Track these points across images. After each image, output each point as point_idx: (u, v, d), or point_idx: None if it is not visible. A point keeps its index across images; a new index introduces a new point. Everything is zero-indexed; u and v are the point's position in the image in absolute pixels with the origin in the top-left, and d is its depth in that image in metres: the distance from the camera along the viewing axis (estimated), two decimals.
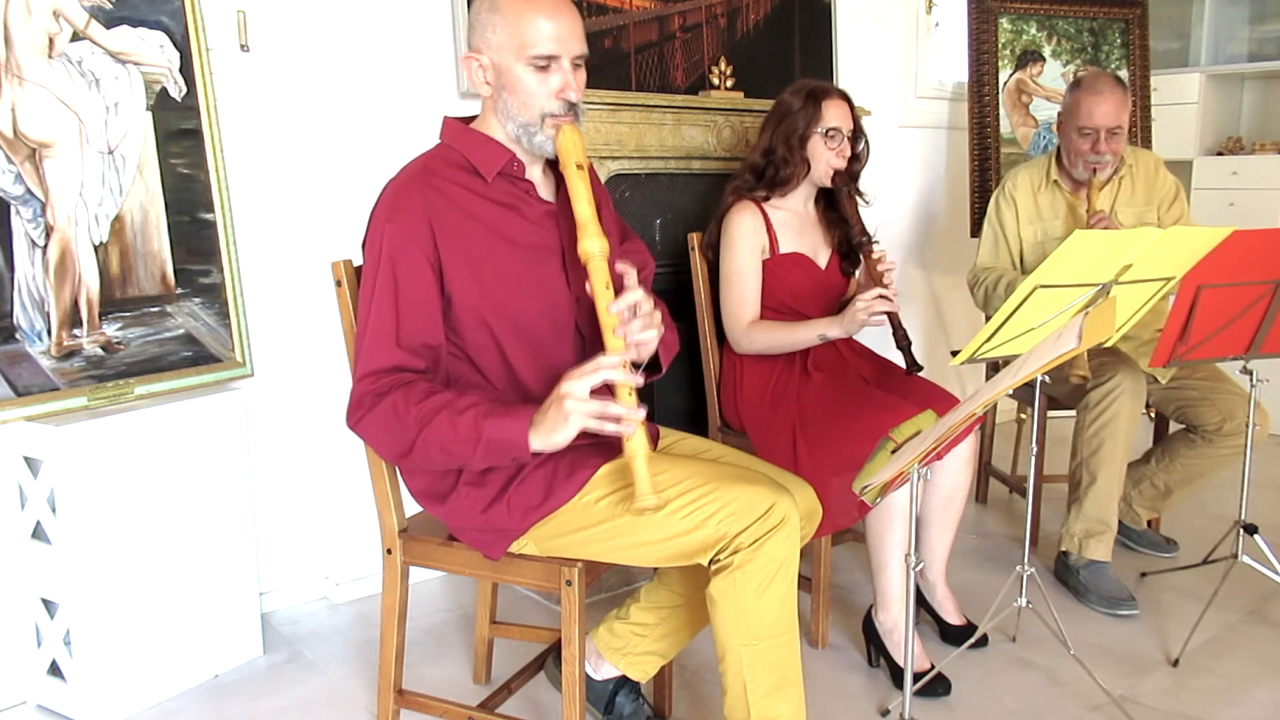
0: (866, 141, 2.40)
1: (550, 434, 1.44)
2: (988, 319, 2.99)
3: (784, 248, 2.35)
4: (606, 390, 1.46)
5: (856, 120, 2.36)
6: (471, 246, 1.58)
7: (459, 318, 1.59)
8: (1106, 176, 2.66)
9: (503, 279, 1.60)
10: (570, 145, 1.56)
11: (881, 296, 2.13)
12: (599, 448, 1.65)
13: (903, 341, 2.19)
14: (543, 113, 1.57)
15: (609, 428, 1.44)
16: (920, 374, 2.26)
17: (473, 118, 1.69)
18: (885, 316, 2.15)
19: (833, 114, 2.30)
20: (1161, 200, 2.74)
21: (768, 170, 2.35)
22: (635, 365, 1.52)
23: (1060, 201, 2.75)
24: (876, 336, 2.59)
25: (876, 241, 2.27)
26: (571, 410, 1.42)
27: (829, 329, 2.22)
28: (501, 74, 1.58)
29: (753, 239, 2.32)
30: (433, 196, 1.57)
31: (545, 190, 1.69)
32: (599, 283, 1.50)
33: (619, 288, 1.51)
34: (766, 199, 2.37)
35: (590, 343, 1.69)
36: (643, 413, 1.45)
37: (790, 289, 2.35)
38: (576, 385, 1.43)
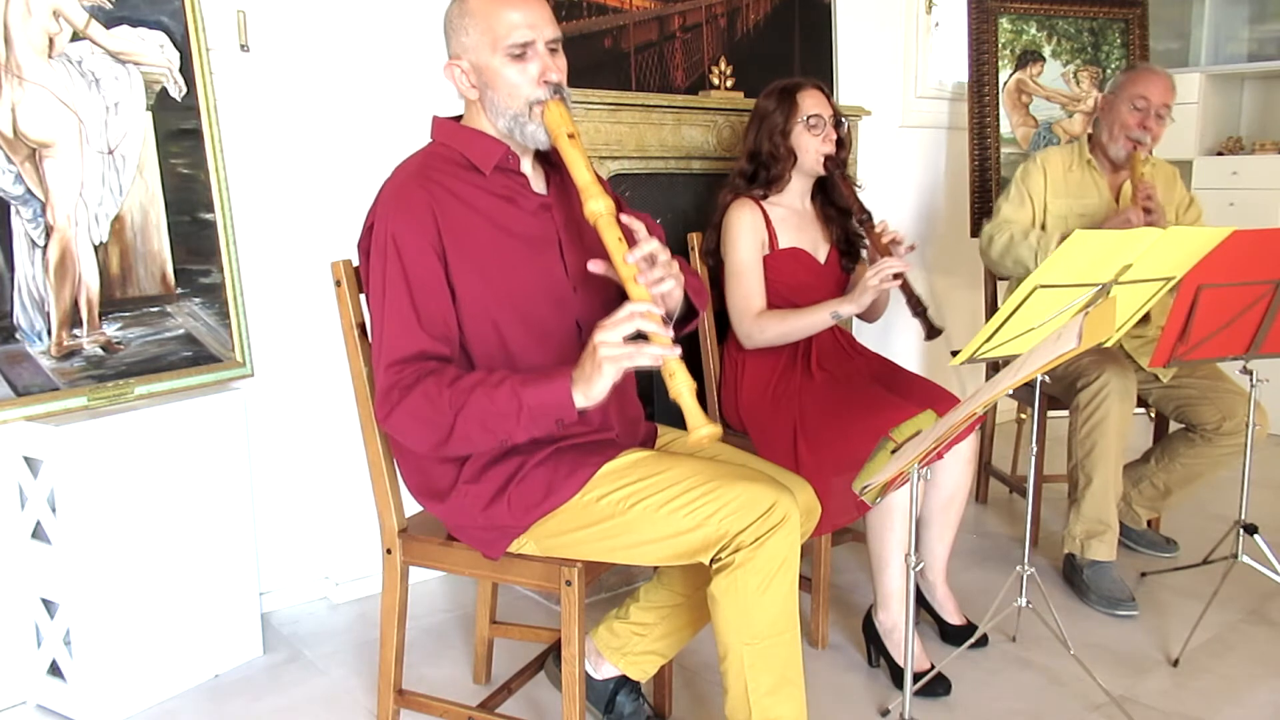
0: (849, 128, 2.41)
1: (589, 386, 1.44)
2: (999, 278, 2.99)
3: (783, 243, 2.36)
4: (640, 339, 1.44)
5: (835, 107, 2.37)
6: (475, 239, 1.59)
7: (461, 311, 1.59)
8: (1143, 158, 2.69)
9: (506, 271, 1.61)
10: (558, 118, 1.57)
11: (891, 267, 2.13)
12: (600, 446, 1.65)
13: (918, 307, 2.17)
14: (529, 101, 1.59)
15: (647, 362, 1.42)
16: (925, 377, 2.26)
17: (459, 116, 1.70)
18: (898, 287, 2.15)
19: (810, 103, 2.33)
20: (1179, 204, 2.80)
21: (758, 172, 2.37)
22: (666, 320, 1.50)
23: (1091, 181, 2.76)
24: (878, 334, 2.59)
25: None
26: (605, 357, 1.41)
27: (840, 306, 2.22)
28: (483, 72, 1.60)
29: (753, 233, 2.33)
30: (434, 190, 1.58)
31: (537, 183, 1.71)
32: (610, 238, 1.50)
33: (631, 242, 1.51)
34: (764, 197, 2.37)
35: (589, 334, 1.69)
36: (678, 350, 1.43)
37: (791, 283, 2.35)
38: (609, 334, 1.42)
